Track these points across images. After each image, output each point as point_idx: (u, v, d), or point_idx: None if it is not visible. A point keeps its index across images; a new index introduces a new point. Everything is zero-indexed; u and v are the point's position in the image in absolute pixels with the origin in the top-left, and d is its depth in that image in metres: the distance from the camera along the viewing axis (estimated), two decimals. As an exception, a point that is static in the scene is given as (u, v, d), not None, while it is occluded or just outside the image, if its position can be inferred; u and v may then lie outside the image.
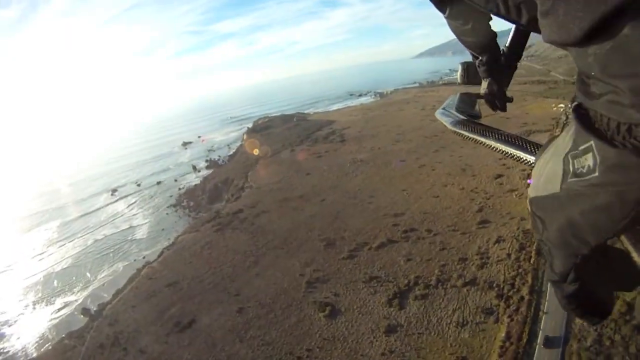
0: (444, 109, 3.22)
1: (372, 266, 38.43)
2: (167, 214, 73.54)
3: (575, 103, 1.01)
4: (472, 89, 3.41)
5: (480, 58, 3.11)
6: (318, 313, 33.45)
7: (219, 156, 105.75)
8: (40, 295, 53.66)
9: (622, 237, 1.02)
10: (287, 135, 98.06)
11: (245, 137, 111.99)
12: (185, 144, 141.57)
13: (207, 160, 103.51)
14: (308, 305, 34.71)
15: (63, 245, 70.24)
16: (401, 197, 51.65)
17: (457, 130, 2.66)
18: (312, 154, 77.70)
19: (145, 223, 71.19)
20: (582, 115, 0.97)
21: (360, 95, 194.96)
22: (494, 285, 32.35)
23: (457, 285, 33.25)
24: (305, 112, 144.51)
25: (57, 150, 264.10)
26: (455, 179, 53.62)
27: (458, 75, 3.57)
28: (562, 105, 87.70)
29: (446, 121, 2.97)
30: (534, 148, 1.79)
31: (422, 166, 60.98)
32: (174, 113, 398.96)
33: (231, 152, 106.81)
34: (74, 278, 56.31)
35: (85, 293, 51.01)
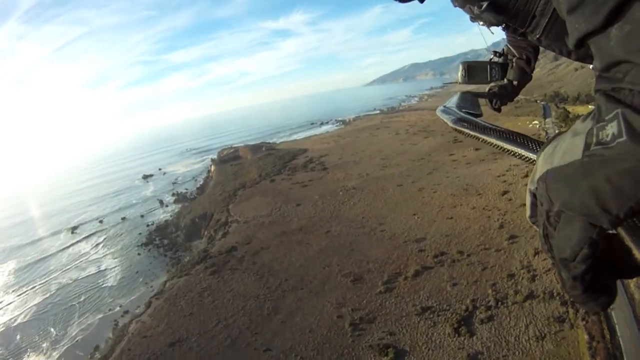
0: (445, 107, 3.15)
1: (417, 296, 34.84)
2: (138, 254, 66.19)
3: (596, 87, 1.02)
4: (471, 89, 3.69)
5: (498, 60, 3.81)
6: (381, 359, 29.35)
7: (186, 189, 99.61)
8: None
9: (623, 234, 1.03)
10: (261, 165, 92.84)
11: (212, 168, 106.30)
12: (146, 176, 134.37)
13: (174, 194, 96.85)
14: (364, 352, 30.39)
15: (22, 292, 61.90)
16: (413, 221, 48.66)
17: (458, 128, 2.59)
18: (295, 183, 73.13)
19: (116, 266, 63.63)
20: (606, 93, 0.97)
21: (322, 124, 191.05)
22: (554, 294, 31.14)
23: (518, 300, 31.61)
24: (270, 141, 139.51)
25: (7, 182, 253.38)
26: (462, 199, 51.61)
27: (459, 75, 3.86)
28: (536, 122, 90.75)
29: (447, 119, 2.86)
30: (536, 145, 1.79)
31: (421, 189, 58.27)
32: (127, 145, 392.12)
33: (199, 185, 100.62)
34: (40, 333, 48.71)
35: (56, 353, 43.71)
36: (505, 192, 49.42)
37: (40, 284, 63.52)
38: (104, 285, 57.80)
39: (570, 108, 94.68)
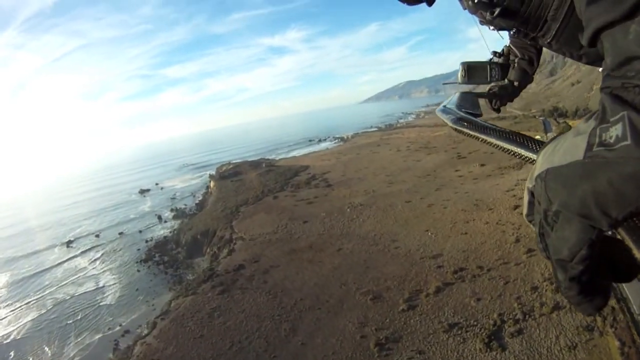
0: (444, 106, 3.28)
1: (442, 313, 33.42)
2: (138, 270, 63.86)
3: (603, 85, 1.02)
4: (471, 89, 3.78)
5: (498, 60, 4.00)
6: (413, 378, 27.47)
7: (185, 205, 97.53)
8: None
9: (623, 234, 1.02)
10: (263, 181, 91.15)
11: (212, 184, 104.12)
12: (142, 191, 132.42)
13: (172, 210, 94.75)
14: (394, 372, 28.42)
15: (15, 308, 59.73)
16: (427, 238, 47.27)
17: (458, 128, 2.70)
18: (300, 200, 71.30)
19: (115, 283, 61.23)
20: (612, 93, 0.97)
21: (320, 141, 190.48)
22: None
23: (545, 312, 30.87)
24: (268, 158, 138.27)
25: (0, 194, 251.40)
26: (473, 214, 50.43)
27: (458, 75, 4.03)
28: (538, 136, 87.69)
29: (447, 118, 2.98)
30: (536, 145, 1.84)
31: (430, 205, 56.85)
32: (124, 158, 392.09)
33: (197, 201, 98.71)
34: (35, 351, 46.40)
35: (52, 376, 41.02)
36: (516, 207, 48.78)
37: (35, 300, 61.15)
38: (102, 302, 55.42)
39: (571, 122, 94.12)
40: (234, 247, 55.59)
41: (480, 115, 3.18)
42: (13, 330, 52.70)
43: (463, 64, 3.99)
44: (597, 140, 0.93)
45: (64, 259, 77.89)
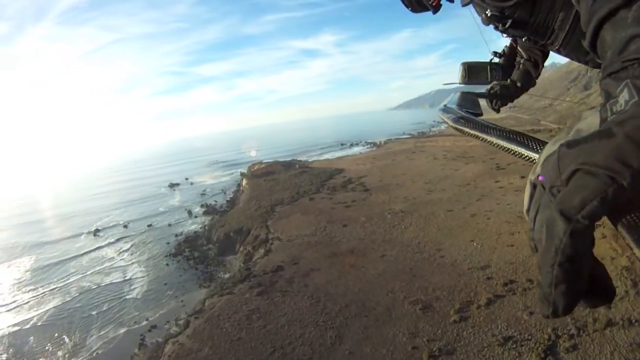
0: (445, 106, 3.35)
1: (495, 326, 31.34)
2: (166, 264, 62.17)
3: (604, 75, 1.10)
4: (472, 89, 4.01)
5: (499, 60, 4.21)
6: (471, 392, 25.75)
7: (216, 201, 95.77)
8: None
9: (623, 232, 1.01)
10: (297, 182, 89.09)
11: (244, 182, 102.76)
12: (172, 185, 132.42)
13: (202, 205, 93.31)
14: (450, 387, 26.79)
15: (38, 293, 58.50)
16: (473, 248, 44.77)
17: (459, 127, 2.73)
18: (337, 203, 69.12)
19: (143, 275, 59.65)
20: (612, 75, 1.04)
21: (352, 145, 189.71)
22: (633, 320, 29.27)
23: (598, 328, 29.08)
24: (300, 159, 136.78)
25: (29, 181, 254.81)
26: (518, 227, 47.41)
27: (459, 76, 4.18)
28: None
29: (448, 117, 3.07)
30: (539, 145, 1.86)
31: (473, 215, 54.14)
32: (154, 152, 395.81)
33: (228, 198, 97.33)
34: (56, 340, 44.38)
35: (73, 370, 39.62)
36: (561, 221, 45.38)
37: (59, 287, 59.85)
38: (129, 295, 53.68)
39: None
40: (271, 248, 53.56)
41: (480, 114, 3.27)
42: (34, 316, 51.18)
43: (463, 64, 4.10)
44: (608, 113, 0.97)
45: (91, 248, 76.88)
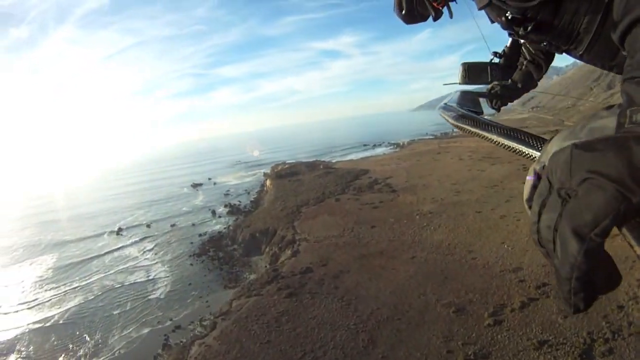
0: (445, 104, 3.31)
1: (530, 330, 30.39)
2: (191, 264, 61.48)
3: (627, 77, 1.12)
4: (472, 89, 4.00)
5: (499, 62, 4.09)
6: (508, 396, 25.24)
7: (240, 201, 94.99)
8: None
9: (625, 232, 1.03)
10: (322, 182, 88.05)
11: (268, 182, 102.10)
12: (195, 185, 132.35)
13: (226, 205, 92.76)
14: (487, 389, 26.06)
15: (60, 291, 58.30)
16: (504, 250, 43.46)
17: (460, 125, 2.74)
18: (365, 204, 67.91)
19: (167, 275, 58.98)
20: (638, 81, 1.05)
21: (375, 146, 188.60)
22: None
23: (633, 332, 28.54)
24: (324, 160, 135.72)
25: (52, 181, 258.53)
26: None
27: (459, 76, 4.14)
28: None
29: (448, 115, 3.01)
30: (540, 143, 1.85)
31: (503, 217, 52.60)
32: (175, 153, 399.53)
33: (252, 198, 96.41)
34: (77, 338, 44.10)
35: (97, 365, 39.21)
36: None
37: (81, 285, 59.60)
38: (152, 295, 52.99)
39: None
40: (298, 249, 52.56)
41: (481, 113, 3.24)
42: (56, 314, 50.78)
43: (463, 64, 4.04)
44: (627, 120, 0.95)
45: (114, 247, 76.71)
